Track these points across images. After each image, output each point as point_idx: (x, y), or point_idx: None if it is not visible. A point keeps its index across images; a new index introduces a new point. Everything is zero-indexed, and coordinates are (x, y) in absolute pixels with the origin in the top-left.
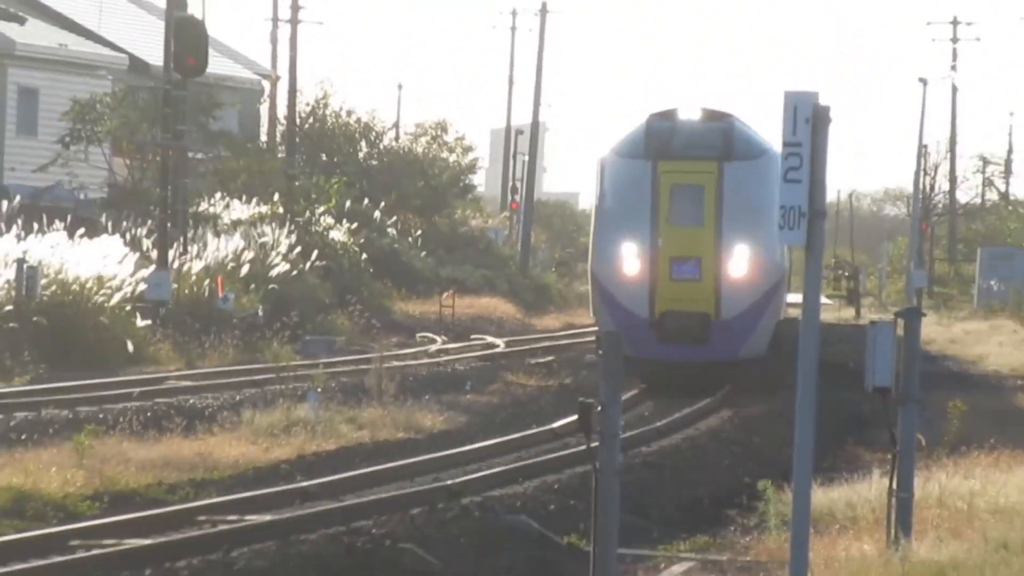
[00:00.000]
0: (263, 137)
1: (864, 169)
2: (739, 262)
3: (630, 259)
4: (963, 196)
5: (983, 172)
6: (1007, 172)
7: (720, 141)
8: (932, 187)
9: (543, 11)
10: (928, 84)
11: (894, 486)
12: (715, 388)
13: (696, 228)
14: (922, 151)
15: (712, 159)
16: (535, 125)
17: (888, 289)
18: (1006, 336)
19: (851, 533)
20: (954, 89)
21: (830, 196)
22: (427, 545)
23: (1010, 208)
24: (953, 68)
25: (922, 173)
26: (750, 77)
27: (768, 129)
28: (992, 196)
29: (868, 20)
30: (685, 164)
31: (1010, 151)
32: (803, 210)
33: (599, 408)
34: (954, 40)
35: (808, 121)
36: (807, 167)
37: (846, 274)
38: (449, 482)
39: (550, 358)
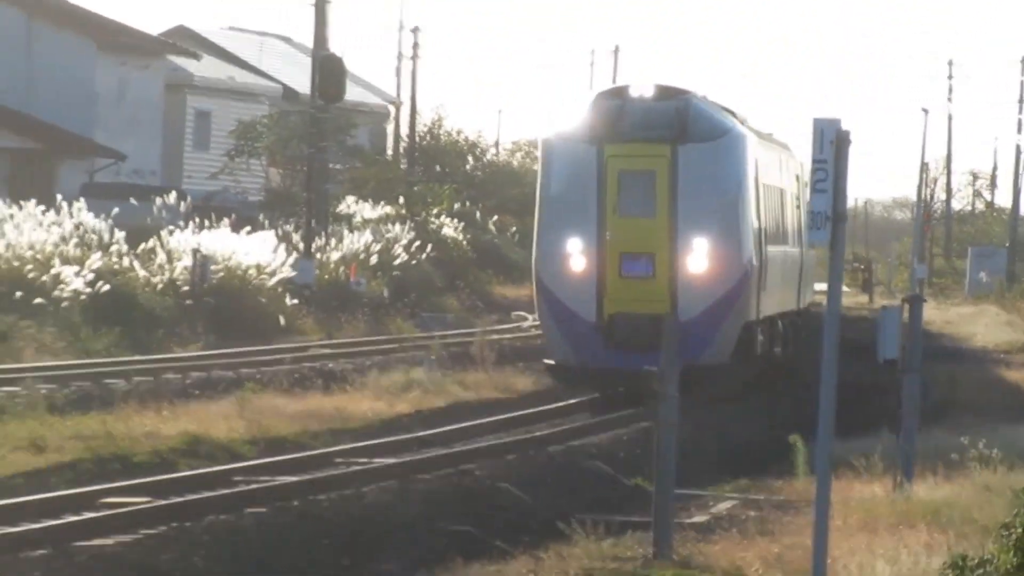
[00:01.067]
0: (389, 151)
1: (876, 181)
2: (697, 257)
3: (575, 256)
4: (957, 204)
5: (973, 185)
6: (992, 185)
7: (674, 121)
8: (932, 197)
9: (616, 52)
10: (929, 113)
11: (899, 440)
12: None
13: (648, 220)
14: (924, 167)
15: (664, 141)
16: None
17: (896, 280)
18: (991, 318)
19: (864, 478)
20: (950, 117)
21: (849, 203)
22: (520, 484)
23: (995, 214)
24: (949, 100)
25: (924, 185)
26: (779, 103)
27: (776, 123)
28: (980, 205)
29: (881, 59)
30: (634, 147)
31: (995, 168)
32: (828, 215)
33: (660, 375)
34: (950, 77)
35: (832, 143)
36: (831, 180)
37: (862, 267)
38: (538, 433)
39: None
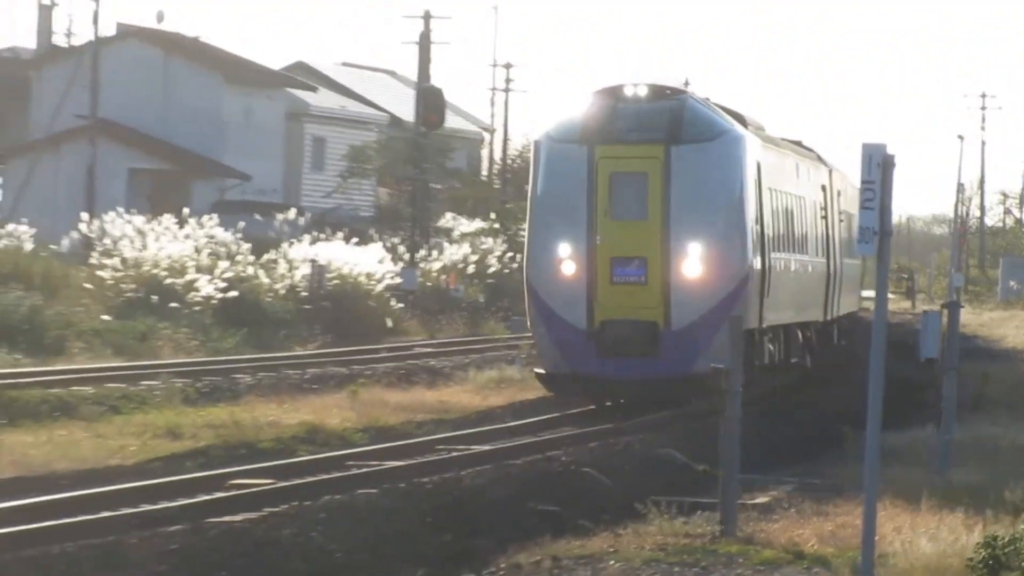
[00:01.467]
0: (484, 173)
1: (918, 199)
2: (691, 262)
3: (565, 260)
4: (989, 220)
5: (1004, 203)
6: (1021, 203)
7: (668, 122)
8: (967, 213)
9: (686, 84)
10: (964, 140)
11: (939, 430)
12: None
13: (640, 223)
14: (960, 188)
15: (657, 142)
16: None
17: (935, 287)
18: (1020, 322)
19: (908, 464)
20: (983, 143)
21: (894, 219)
22: (601, 469)
23: (1023, 229)
24: (982, 128)
25: (960, 204)
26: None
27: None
28: (1010, 221)
29: (922, 91)
30: (626, 149)
31: (1023, 187)
32: (875, 230)
33: (726, 373)
34: (983, 108)
35: (879, 165)
36: (878, 198)
37: (905, 276)
38: (617, 424)
39: None
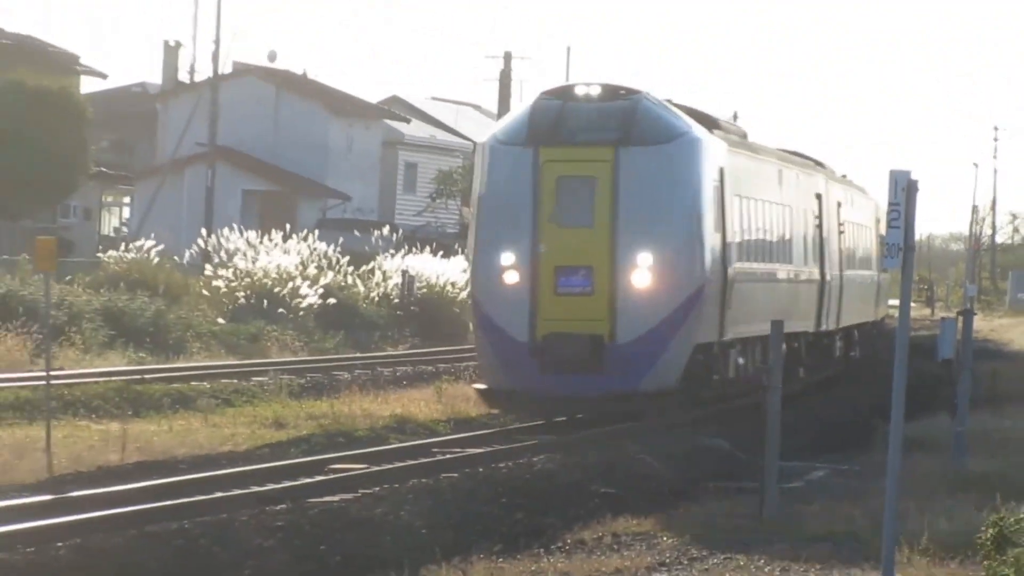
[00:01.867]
0: None
1: (936, 219)
2: (641, 272)
3: (508, 270)
4: (1000, 238)
5: (1013, 223)
6: None
7: (619, 123)
8: (981, 232)
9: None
10: (979, 167)
11: (955, 422)
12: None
13: (586, 230)
14: (974, 209)
15: (607, 144)
16: None
17: (952, 297)
18: None
19: (926, 453)
20: (995, 170)
21: (916, 236)
22: (655, 456)
23: None
24: (995, 156)
25: (974, 223)
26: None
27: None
28: (1019, 238)
29: (941, 121)
30: (573, 151)
31: None
32: (900, 246)
33: (768, 371)
34: (995, 140)
35: (904, 189)
36: (903, 218)
37: (925, 287)
38: (671, 419)
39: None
